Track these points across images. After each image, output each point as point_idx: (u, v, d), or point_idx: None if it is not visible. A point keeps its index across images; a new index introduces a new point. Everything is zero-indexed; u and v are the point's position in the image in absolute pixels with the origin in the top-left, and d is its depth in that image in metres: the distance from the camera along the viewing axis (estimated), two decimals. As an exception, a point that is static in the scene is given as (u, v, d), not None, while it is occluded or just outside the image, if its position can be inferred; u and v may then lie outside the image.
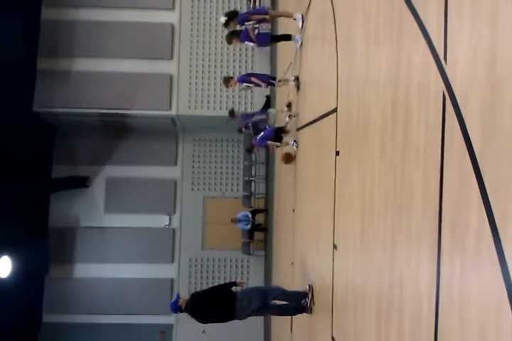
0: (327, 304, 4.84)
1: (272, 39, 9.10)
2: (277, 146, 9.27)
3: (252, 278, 16.06)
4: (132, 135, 15.99)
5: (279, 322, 9.25)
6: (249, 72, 9.04)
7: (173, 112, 14.73)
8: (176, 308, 5.87)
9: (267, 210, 15.45)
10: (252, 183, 16.09)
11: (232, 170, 16.49)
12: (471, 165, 2.01)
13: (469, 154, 2.02)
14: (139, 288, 15.58)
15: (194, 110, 14.90)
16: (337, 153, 4.65)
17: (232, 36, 8.14)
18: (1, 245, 12.60)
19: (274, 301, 6.09)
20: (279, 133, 8.86)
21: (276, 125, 9.64)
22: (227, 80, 8.87)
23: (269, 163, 15.32)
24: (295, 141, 8.06)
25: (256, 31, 8.25)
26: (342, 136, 4.57)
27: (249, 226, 14.99)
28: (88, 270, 15.77)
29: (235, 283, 6.11)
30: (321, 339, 5.28)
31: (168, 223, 16.22)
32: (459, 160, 2.12)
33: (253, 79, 8.59)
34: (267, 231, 15.18)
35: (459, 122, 2.13)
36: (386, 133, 3.16)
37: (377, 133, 3.37)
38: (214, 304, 5.74)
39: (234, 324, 6.19)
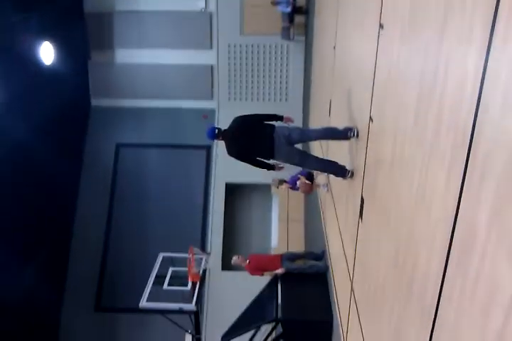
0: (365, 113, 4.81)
1: None
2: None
3: (292, 65, 15.97)
4: None
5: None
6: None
7: None
8: (213, 136, 5.91)
9: (309, -9, 14.46)
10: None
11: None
12: None
13: None
14: (180, 73, 15.85)
15: None
16: None
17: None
18: (40, 31, 12.55)
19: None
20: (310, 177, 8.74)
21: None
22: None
23: None
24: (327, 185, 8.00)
25: None
26: None
27: (289, 8, 14.24)
28: (129, 55, 15.94)
29: (281, 118, 5.88)
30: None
31: (204, 6, 15.56)
32: None
33: None
34: (308, 14, 14.43)
35: None
36: None
37: None
38: (255, 133, 5.69)
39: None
